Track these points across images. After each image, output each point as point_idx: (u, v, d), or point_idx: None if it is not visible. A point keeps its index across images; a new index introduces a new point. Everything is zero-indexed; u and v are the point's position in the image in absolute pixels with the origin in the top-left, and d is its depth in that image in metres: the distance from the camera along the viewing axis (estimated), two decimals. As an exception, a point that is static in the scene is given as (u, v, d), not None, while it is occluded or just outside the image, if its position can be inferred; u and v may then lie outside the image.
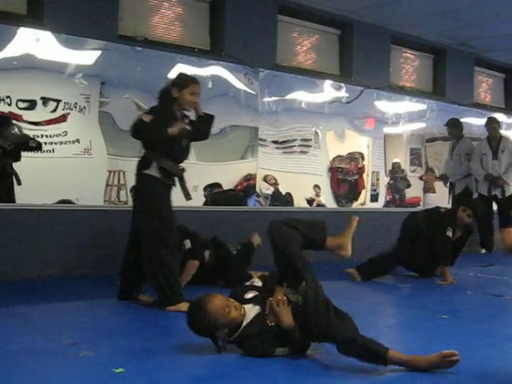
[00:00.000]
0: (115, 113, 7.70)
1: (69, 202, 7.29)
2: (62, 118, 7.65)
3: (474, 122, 11.29)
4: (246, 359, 3.64)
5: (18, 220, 6.59)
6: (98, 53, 7.44)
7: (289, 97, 9.21)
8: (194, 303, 3.87)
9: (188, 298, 4.99)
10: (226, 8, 8.28)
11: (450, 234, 6.90)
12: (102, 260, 6.89)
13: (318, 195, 12.51)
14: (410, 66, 11.06)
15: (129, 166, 7.79)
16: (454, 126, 10.43)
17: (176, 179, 5.35)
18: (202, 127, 5.55)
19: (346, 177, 13.46)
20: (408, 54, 11.02)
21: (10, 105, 7.00)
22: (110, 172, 7.81)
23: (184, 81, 5.35)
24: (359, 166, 13.70)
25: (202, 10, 8.35)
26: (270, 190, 10.89)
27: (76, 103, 7.52)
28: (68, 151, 7.48)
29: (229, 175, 8.65)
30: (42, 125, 7.34)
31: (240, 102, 8.64)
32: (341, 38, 9.90)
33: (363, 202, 13.57)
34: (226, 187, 8.68)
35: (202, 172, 8.37)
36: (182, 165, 5.42)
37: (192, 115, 5.52)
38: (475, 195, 10.25)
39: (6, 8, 6.91)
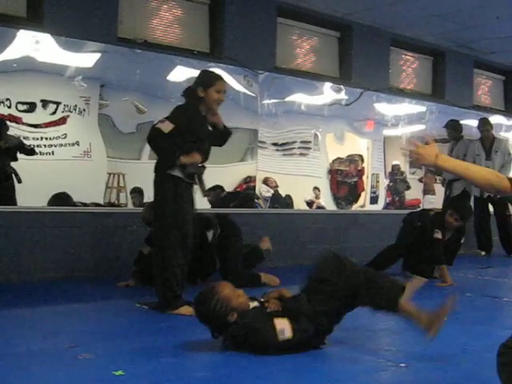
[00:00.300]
0: (115, 115, 7.71)
1: (64, 194, 7.25)
2: (62, 121, 7.65)
3: (474, 124, 11.28)
4: (247, 361, 3.64)
5: (17, 222, 6.59)
6: (97, 55, 7.45)
7: (288, 99, 9.22)
8: (202, 292, 3.92)
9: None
10: (226, 10, 8.29)
11: (438, 235, 6.92)
12: (102, 262, 6.89)
13: (317, 197, 12.51)
14: (409, 68, 11.07)
15: (128, 169, 7.82)
16: (454, 127, 10.45)
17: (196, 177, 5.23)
18: (219, 140, 5.48)
19: (345, 179, 13.46)
20: (407, 56, 11.02)
21: (9, 107, 7.01)
22: (110, 174, 7.81)
23: (209, 79, 5.20)
24: (359, 168, 13.70)
25: (201, 13, 8.36)
26: (269, 193, 10.90)
27: (76, 105, 7.53)
28: (67, 153, 7.48)
29: (228, 178, 8.65)
30: (41, 127, 7.35)
31: (239, 105, 8.64)
32: (340, 41, 9.90)
33: (363, 204, 13.57)
34: (225, 190, 8.69)
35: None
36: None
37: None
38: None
39: (5, 11, 6.91)
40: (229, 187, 8.68)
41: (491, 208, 10.33)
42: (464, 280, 7.53)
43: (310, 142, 10.24)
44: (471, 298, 5.96)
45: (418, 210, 8.22)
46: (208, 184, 8.29)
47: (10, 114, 7.00)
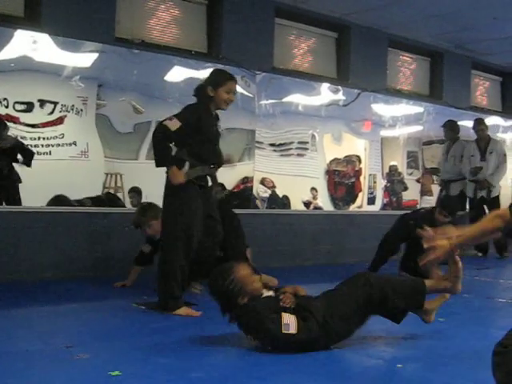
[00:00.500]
0: (112, 115, 7.71)
1: (64, 197, 7.26)
2: (59, 121, 7.64)
3: (471, 125, 11.29)
4: (244, 362, 3.64)
5: (14, 222, 6.58)
6: (95, 55, 7.45)
7: (286, 99, 9.22)
8: (221, 268, 4.03)
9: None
10: (223, 11, 8.30)
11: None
12: (100, 262, 6.89)
13: (314, 198, 12.51)
14: (406, 68, 11.08)
15: (126, 169, 7.82)
16: (451, 127, 10.45)
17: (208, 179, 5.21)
18: None
19: (342, 179, 13.47)
20: (405, 57, 11.03)
21: (7, 107, 7.01)
22: (107, 175, 7.81)
23: (219, 79, 5.15)
24: (356, 168, 13.71)
25: (199, 13, 8.36)
26: (267, 193, 10.90)
27: (73, 105, 7.52)
28: (65, 153, 7.48)
29: (226, 178, 8.64)
30: (38, 127, 7.34)
31: (237, 105, 8.63)
32: (338, 41, 9.92)
33: (360, 204, 13.58)
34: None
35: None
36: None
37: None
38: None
39: (3, 10, 6.91)
40: (226, 187, 8.69)
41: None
42: (465, 282, 7.54)
43: (307, 142, 10.25)
44: (468, 299, 5.97)
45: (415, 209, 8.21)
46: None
47: (7, 114, 7.01)
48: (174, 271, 4.98)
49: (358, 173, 13.69)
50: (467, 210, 10.43)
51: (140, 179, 7.95)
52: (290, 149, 10.04)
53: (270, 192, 11.07)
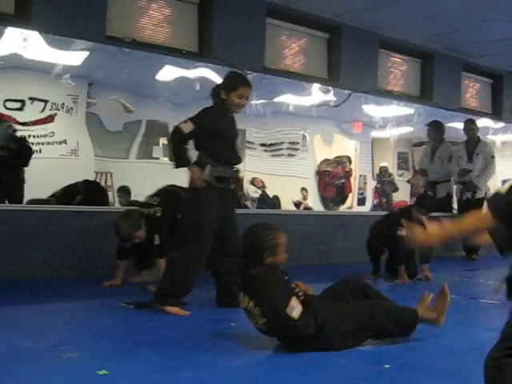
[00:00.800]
0: (102, 114, 7.73)
1: (40, 200, 7.24)
2: (50, 119, 7.65)
3: (461, 126, 11.33)
4: (231, 362, 3.64)
5: (4, 221, 6.55)
6: (85, 53, 7.44)
7: (277, 100, 9.23)
8: (270, 224, 4.25)
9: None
10: (215, 10, 8.28)
11: (402, 233, 6.97)
12: (88, 261, 6.86)
13: (305, 198, 12.54)
14: (397, 70, 11.09)
15: (116, 168, 7.82)
16: (437, 127, 10.35)
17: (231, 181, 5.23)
18: None
19: (333, 180, 13.52)
20: (396, 59, 11.05)
21: (-3, 105, 7.00)
22: (97, 173, 7.81)
23: (232, 83, 5.13)
24: (346, 169, 13.78)
25: (190, 12, 8.35)
26: (257, 193, 10.90)
27: (63, 104, 7.53)
28: (55, 152, 7.49)
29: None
30: (29, 125, 7.34)
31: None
32: (329, 42, 9.91)
33: (350, 205, 13.64)
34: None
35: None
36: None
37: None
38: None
39: (-7, 8, 6.89)
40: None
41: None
42: (450, 282, 7.55)
43: (298, 142, 10.27)
44: (456, 300, 5.97)
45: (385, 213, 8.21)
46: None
47: (-2, 112, 7.00)
48: (187, 271, 5.00)
49: (348, 174, 13.75)
50: (455, 212, 10.44)
51: (130, 178, 7.95)
52: (281, 149, 10.07)
53: (260, 192, 11.08)
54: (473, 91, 12.60)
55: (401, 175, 13.88)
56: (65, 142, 7.85)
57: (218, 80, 8.38)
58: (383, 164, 14.06)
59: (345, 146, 12.88)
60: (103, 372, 3.27)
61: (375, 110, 10.89)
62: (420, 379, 3.48)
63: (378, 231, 7.33)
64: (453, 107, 11.61)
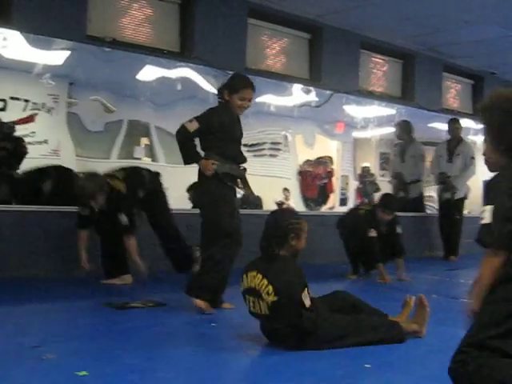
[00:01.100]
0: (83, 114, 7.68)
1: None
2: (30, 119, 7.61)
3: (442, 127, 11.38)
4: (211, 361, 3.64)
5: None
6: (66, 53, 7.40)
7: (258, 100, 9.22)
8: (294, 210, 4.75)
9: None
10: (196, 10, 8.27)
11: (372, 234, 7.11)
12: (69, 262, 6.80)
13: (287, 198, 12.55)
14: (379, 70, 11.12)
15: (97, 168, 7.75)
16: (406, 127, 10.26)
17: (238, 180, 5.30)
18: None
19: (315, 180, 13.55)
20: (377, 59, 11.08)
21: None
22: (79, 174, 7.76)
23: (235, 85, 5.16)
24: (328, 169, 13.81)
25: (171, 12, 8.32)
26: (239, 194, 10.88)
27: (44, 104, 7.49)
28: (36, 152, 7.44)
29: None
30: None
31: (209, 105, 8.58)
32: (310, 42, 9.92)
33: (332, 205, 13.67)
34: (195, 190, 8.65)
35: (171, 174, 8.34)
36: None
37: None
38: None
39: (-28, 7, 6.83)
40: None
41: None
42: (430, 282, 7.61)
43: (280, 143, 10.27)
44: (437, 300, 6.01)
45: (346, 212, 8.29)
46: (178, 183, 8.31)
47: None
48: (222, 267, 5.08)
49: (330, 174, 13.79)
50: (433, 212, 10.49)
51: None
52: (263, 149, 10.07)
53: (242, 192, 11.06)
54: (454, 92, 12.67)
55: (383, 175, 13.92)
56: (46, 142, 7.81)
57: (200, 80, 8.40)
58: (365, 164, 14.10)
59: (327, 146, 12.90)
60: (83, 373, 3.26)
61: (357, 110, 10.92)
62: (400, 378, 3.49)
63: (350, 232, 7.39)
64: (434, 108, 11.66)
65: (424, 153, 10.25)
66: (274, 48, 9.56)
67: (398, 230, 7.37)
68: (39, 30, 6.98)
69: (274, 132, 10.22)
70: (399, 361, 3.85)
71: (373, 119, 11.33)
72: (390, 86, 11.32)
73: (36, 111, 7.64)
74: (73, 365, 3.40)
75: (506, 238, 2.63)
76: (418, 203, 10.40)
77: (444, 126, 11.11)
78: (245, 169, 5.34)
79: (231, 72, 8.52)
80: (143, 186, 6.44)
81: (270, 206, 10.28)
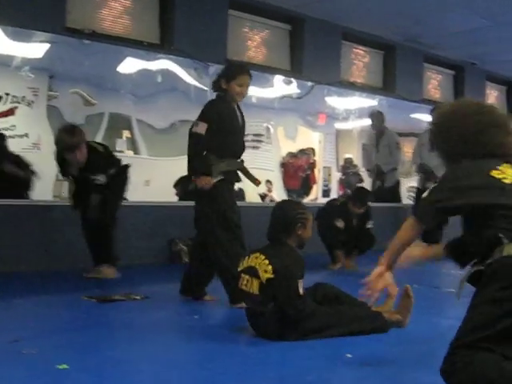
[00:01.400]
0: (63, 107, 7.62)
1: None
2: (10, 112, 7.55)
3: (423, 117, 11.41)
4: (192, 352, 3.64)
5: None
6: (45, 46, 7.35)
7: (240, 91, 9.19)
8: (303, 204, 4.68)
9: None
10: (176, 1, 8.22)
11: (338, 224, 7.25)
12: (49, 256, 6.76)
13: (270, 190, 12.55)
14: (360, 61, 11.12)
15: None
16: (380, 117, 10.25)
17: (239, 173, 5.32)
18: None
19: (297, 172, 13.56)
20: (358, 50, 11.08)
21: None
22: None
23: (231, 72, 5.16)
24: (311, 161, 13.82)
25: (151, 3, 8.27)
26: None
27: (24, 97, 7.43)
28: (17, 145, 7.37)
29: (179, 170, 8.59)
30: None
31: (190, 97, 8.61)
32: (292, 34, 9.90)
33: (315, 197, 13.68)
34: (176, 182, 8.63)
35: (153, 167, 8.33)
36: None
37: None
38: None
39: (-50, -1, 6.76)
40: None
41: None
42: (411, 272, 7.60)
43: (262, 135, 10.25)
44: (418, 290, 6.02)
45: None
46: (173, 177, 8.24)
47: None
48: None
49: (312, 165, 13.80)
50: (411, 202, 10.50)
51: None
52: (245, 141, 10.03)
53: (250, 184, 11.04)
54: (435, 82, 12.71)
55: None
56: (26, 135, 7.75)
57: (180, 72, 8.37)
58: (348, 156, 14.12)
59: (309, 137, 12.90)
60: (63, 366, 3.24)
61: (338, 101, 10.92)
62: (382, 368, 3.50)
63: (326, 223, 7.43)
64: (415, 98, 11.69)
65: (398, 141, 10.23)
66: (255, 39, 9.54)
67: (369, 224, 7.44)
68: (18, 22, 6.91)
69: (256, 124, 10.20)
70: (381, 350, 3.87)
71: (354, 110, 11.34)
72: (372, 77, 11.32)
73: (16, 104, 7.58)
74: (53, 358, 3.38)
75: (427, 215, 3.02)
76: (394, 192, 10.40)
77: (425, 117, 11.14)
78: (242, 160, 5.34)
79: (212, 64, 8.53)
80: (116, 164, 6.33)
81: (252, 198, 10.27)
